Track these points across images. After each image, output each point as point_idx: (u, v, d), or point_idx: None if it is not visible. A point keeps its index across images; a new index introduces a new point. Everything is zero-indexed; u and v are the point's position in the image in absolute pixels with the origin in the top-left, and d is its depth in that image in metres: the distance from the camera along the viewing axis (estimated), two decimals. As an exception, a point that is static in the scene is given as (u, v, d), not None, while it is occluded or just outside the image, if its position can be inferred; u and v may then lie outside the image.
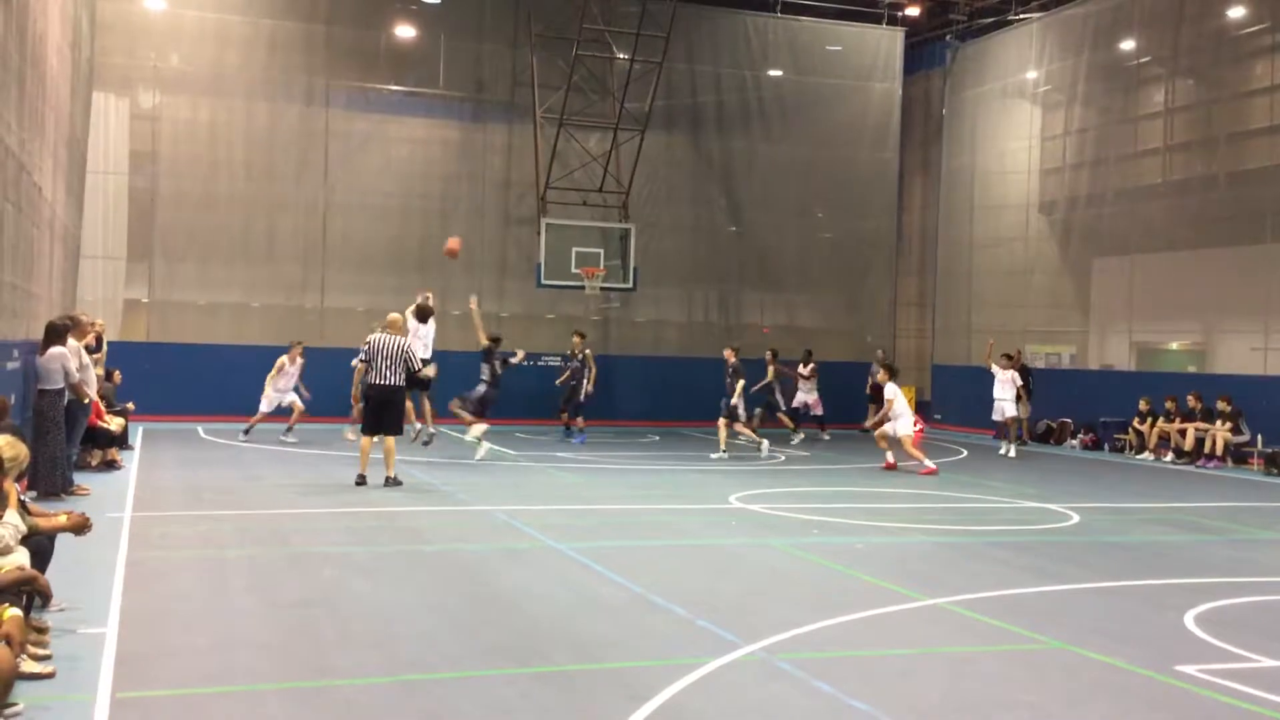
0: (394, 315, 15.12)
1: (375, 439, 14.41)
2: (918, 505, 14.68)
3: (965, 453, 22.40)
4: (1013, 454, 21.38)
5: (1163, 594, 9.40)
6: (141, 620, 7.46)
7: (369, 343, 14.53)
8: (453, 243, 19.35)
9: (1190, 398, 21.05)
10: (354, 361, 16.93)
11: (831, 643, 7.53)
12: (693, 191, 27.50)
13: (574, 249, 24.88)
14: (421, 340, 18.26)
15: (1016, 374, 22.05)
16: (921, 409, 27.85)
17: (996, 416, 22.09)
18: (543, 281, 24.87)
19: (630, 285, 25.51)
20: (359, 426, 17.81)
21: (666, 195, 27.05)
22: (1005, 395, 21.72)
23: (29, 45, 12.86)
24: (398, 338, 14.52)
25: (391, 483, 14.30)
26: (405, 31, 25.54)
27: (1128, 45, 24.79)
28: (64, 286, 18.81)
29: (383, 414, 14.42)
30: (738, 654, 7.07)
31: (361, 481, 14.26)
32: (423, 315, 18.79)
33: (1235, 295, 22.28)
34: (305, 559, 9.89)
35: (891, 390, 19.16)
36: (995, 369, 21.90)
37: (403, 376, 14.46)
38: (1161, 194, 23.82)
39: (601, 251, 25.25)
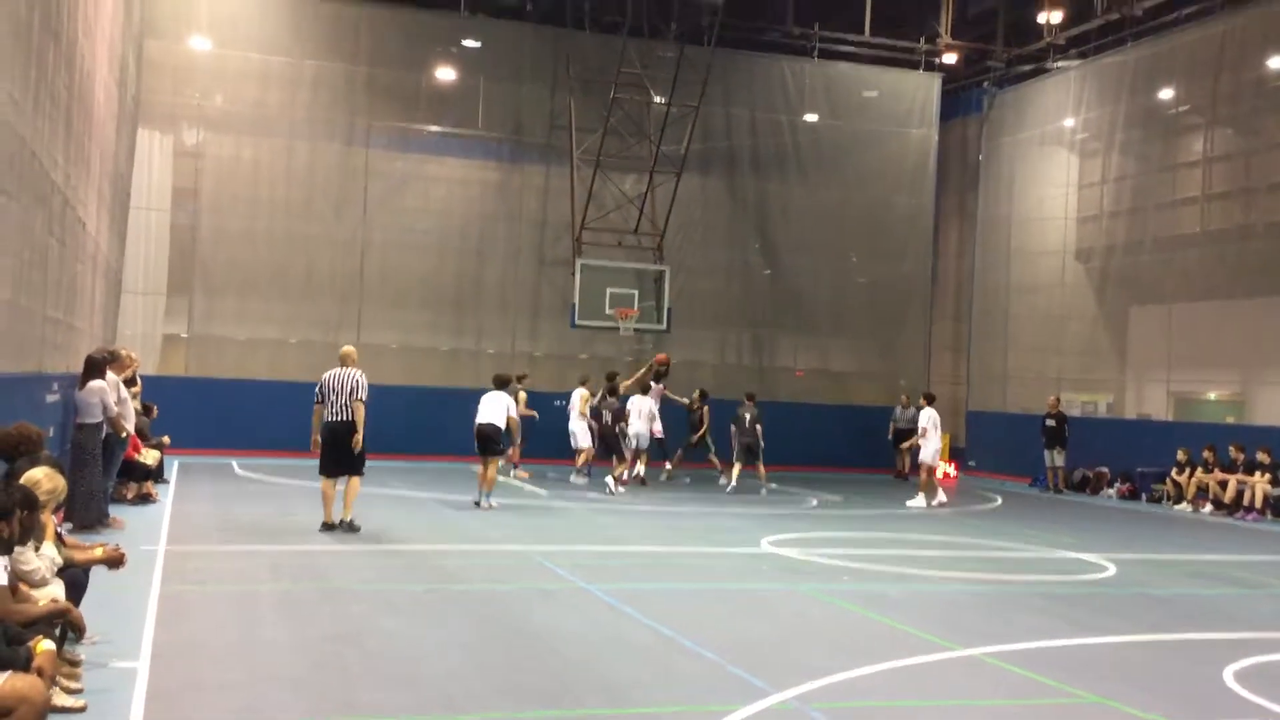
0: (347, 348, 14.02)
1: (336, 480, 13.37)
2: (952, 552, 14.53)
3: (1000, 500, 22.19)
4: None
5: (1202, 649, 9.25)
6: (173, 654, 7.48)
7: (322, 381, 13.50)
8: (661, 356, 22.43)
9: (1232, 448, 20.79)
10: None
11: (865, 692, 7.45)
12: (728, 234, 27.57)
13: (608, 290, 24.93)
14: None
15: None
16: (956, 456, 27.66)
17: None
18: (577, 322, 24.93)
19: (664, 327, 25.53)
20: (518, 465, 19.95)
21: (701, 237, 27.13)
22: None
23: (76, 83, 13.10)
24: (350, 370, 13.46)
25: (346, 527, 13.19)
26: (445, 74, 25.84)
27: (1166, 94, 24.71)
28: (105, 321, 19.04)
29: (339, 452, 13.29)
30: (769, 701, 7.00)
31: (326, 529, 13.26)
32: (657, 377, 21.54)
33: (1274, 346, 22.04)
34: (337, 595, 9.89)
35: (926, 417, 19.54)
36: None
37: (354, 412, 13.24)
38: (1199, 243, 23.65)
39: (636, 293, 25.30)
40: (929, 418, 19.97)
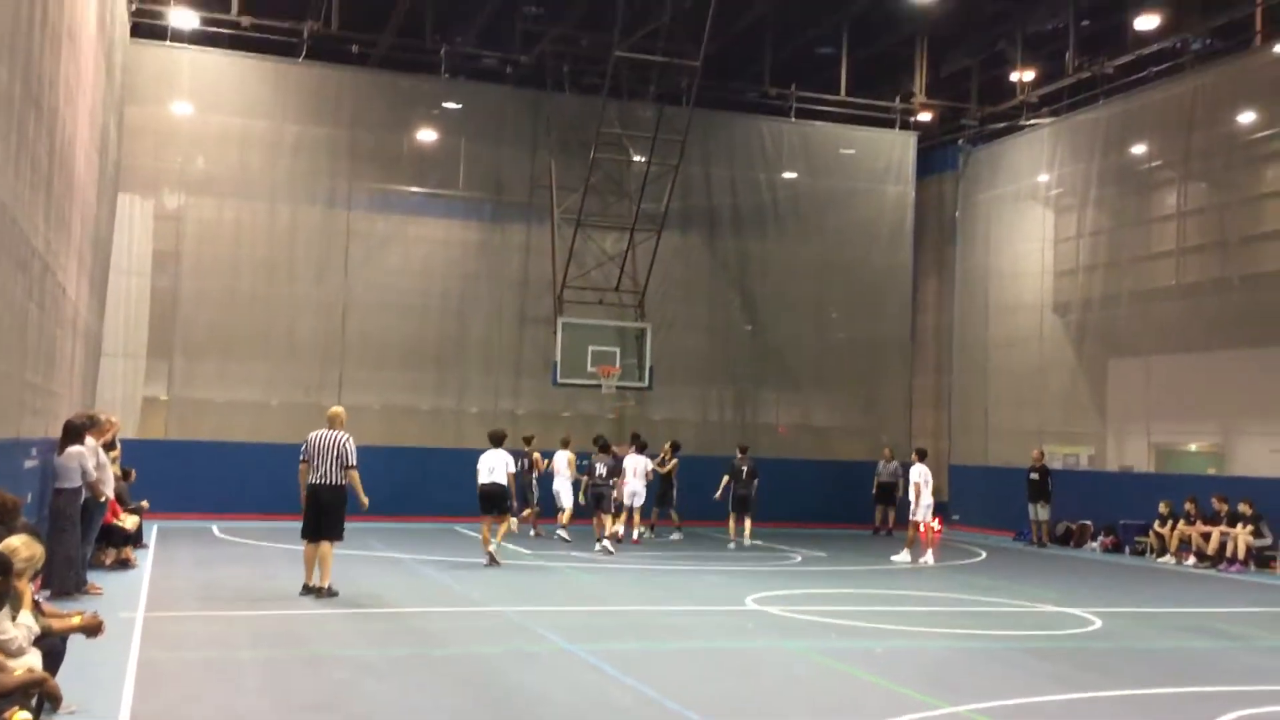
0: (335, 409, 13.78)
1: (318, 544, 13.19)
2: (936, 608, 14.50)
3: (984, 554, 22.16)
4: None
5: (1188, 703, 9.23)
6: (152, 723, 7.39)
7: (308, 440, 13.37)
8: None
9: (1214, 500, 20.86)
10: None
11: (850, 751, 7.40)
12: (708, 291, 27.70)
13: (590, 347, 25.00)
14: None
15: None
16: (939, 510, 27.62)
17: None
18: (559, 380, 24.94)
19: (646, 384, 25.57)
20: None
21: (683, 295, 27.24)
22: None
23: (58, 149, 13.15)
24: (336, 433, 13.27)
25: (325, 594, 13.01)
26: (427, 135, 26.03)
27: (1139, 149, 25.05)
28: (84, 384, 18.95)
29: (321, 515, 13.11)
30: (754, 763, 6.94)
31: (306, 591, 13.14)
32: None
33: (1253, 397, 22.17)
34: (318, 661, 9.80)
35: (917, 472, 19.80)
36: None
37: (341, 475, 13.14)
38: (1176, 296, 23.86)
39: (618, 350, 25.37)
40: (920, 473, 19.97)
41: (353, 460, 13.22)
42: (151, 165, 23.98)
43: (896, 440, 27.69)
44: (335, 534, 13.28)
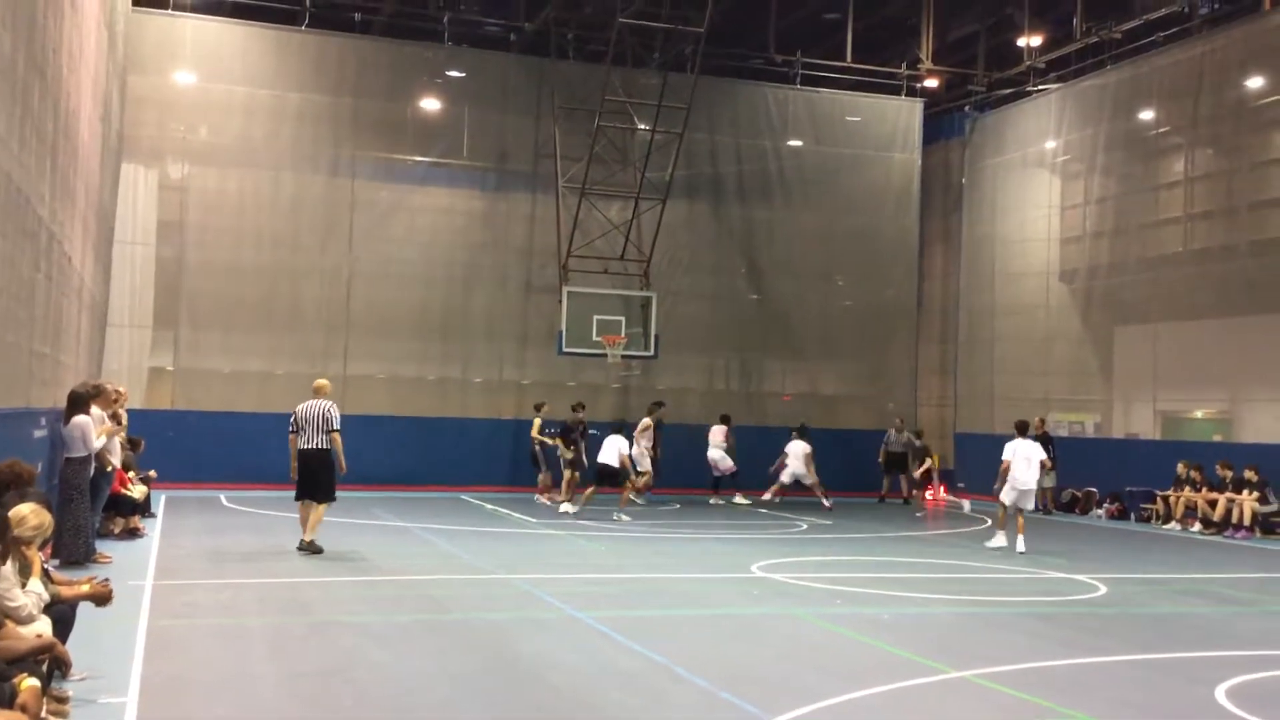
0: (321, 380, 14.95)
1: (305, 502, 14.32)
2: (942, 575, 14.53)
3: (989, 521, 22.18)
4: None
5: (1194, 667, 9.25)
6: (162, 690, 7.44)
7: (296, 412, 14.42)
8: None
9: (1219, 466, 20.86)
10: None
11: (856, 716, 7.43)
12: (714, 259, 27.62)
13: (595, 317, 24.96)
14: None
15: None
16: (945, 478, 27.68)
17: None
18: (564, 349, 24.94)
19: (651, 353, 25.55)
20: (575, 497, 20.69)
21: (688, 263, 27.18)
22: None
23: (62, 119, 13.11)
24: (321, 402, 14.34)
25: (308, 548, 13.99)
26: (430, 104, 25.92)
27: (1147, 115, 24.90)
28: (90, 355, 18.98)
29: (310, 478, 14.24)
30: (761, 727, 6.98)
31: (304, 548, 14.08)
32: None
33: (1260, 363, 22.11)
34: (326, 628, 9.84)
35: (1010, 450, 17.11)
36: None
37: (326, 439, 14.17)
38: (1183, 262, 23.78)
39: (623, 319, 25.33)
40: (1011, 449, 16.98)
41: (336, 425, 14.22)
42: (155, 135, 23.91)
43: (904, 410, 27.69)
44: (326, 496, 14.30)
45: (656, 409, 23.13)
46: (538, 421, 22.52)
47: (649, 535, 17.87)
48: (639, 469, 21.08)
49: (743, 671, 8.54)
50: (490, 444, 24.61)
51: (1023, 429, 17.47)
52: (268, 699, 7.42)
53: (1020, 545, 16.45)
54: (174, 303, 23.83)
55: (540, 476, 22.53)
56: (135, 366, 23.47)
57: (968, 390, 29.02)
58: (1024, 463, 16.75)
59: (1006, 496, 16.93)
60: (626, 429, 21.22)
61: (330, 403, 14.37)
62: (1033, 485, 16.80)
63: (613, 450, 19.73)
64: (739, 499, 23.46)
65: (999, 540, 17.11)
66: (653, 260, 25.97)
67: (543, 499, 22.06)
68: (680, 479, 23.40)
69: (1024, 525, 16.79)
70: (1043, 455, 16.94)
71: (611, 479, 19.77)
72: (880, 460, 26.06)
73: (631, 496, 20.44)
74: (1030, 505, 17.18)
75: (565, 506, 20.38)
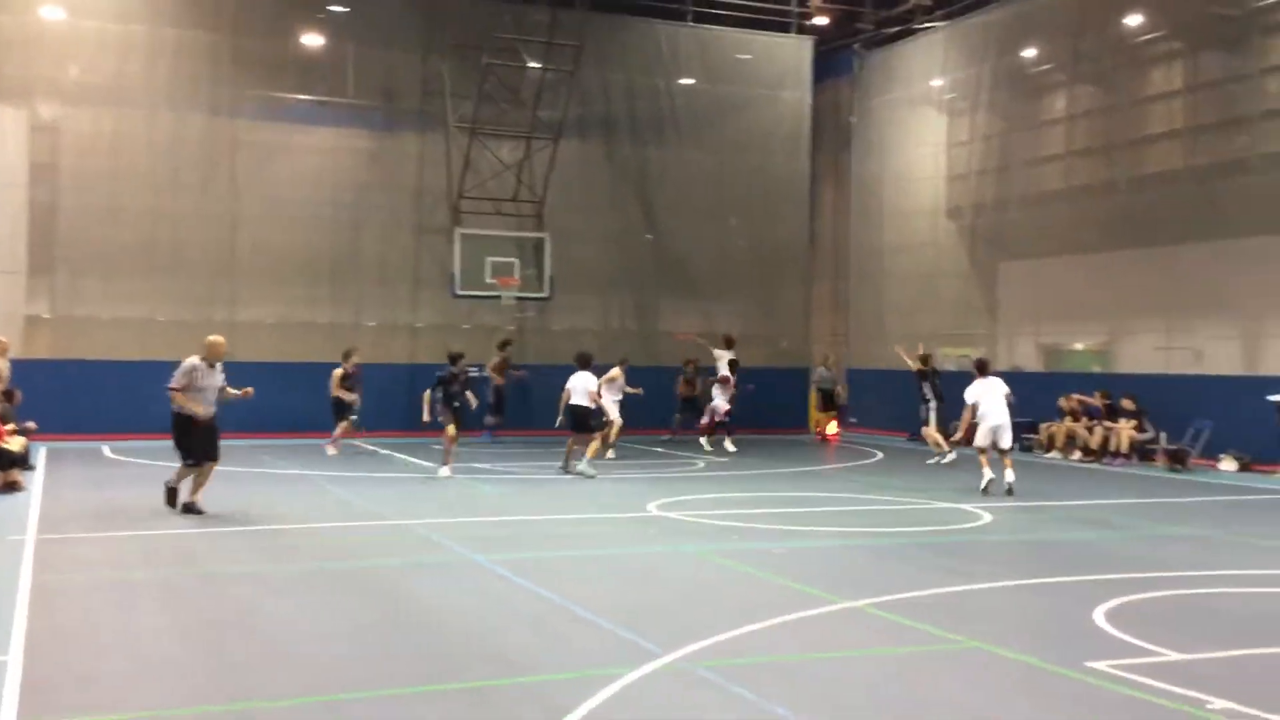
0: (213, 338, 13.50)
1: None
2: (833, 509, 14.82)
3: (880, 455, 22.67)
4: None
5: (1073, 591, 9.59)
6: (48, 645, 7.25)
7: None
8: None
9: (1097, 395, 21.57)
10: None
11: (752, 649, 7.56)
12: (608, 200, 27.47)
13: (489, 259, 24.74)
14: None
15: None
16: (838, 413, 28.15)
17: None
18: (458, 292, 24.69)
19: (546, 294, 25.43)
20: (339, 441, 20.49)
21: (581, 203, 26.98)
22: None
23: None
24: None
25: (189, 509, 12.95)
26: (312, 40, 25.20)
27: (1029, 53, 25.31)
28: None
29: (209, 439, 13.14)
30: (658, 663, 7.06)
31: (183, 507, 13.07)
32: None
33: (1138, 297, 22.81)
34: (215, 579, 9.68)
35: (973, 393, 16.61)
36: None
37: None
38: (1065, 199, 24.33)
39: (517, 261, 25.15)
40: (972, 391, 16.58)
41: (172, 382, 13.05)
42: (22, 74, 22.89)
43: (796, 346, 28.03)
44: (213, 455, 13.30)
45: (505, 347, 23.68)
46: (338, 374, 21.09)
47: (544, 477, 17.88)
48: (606, 418, 19.77)
49: (642, 609, 8.63)
50: (386, 389, 24.30)
51: (982, 367, 16.95)
52: (160, 653, 7.28)
53: (1009, 476, 15.86)
54: (49, 248, 23.00)
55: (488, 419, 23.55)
56: (11, 315, 22.61)
57: (858, 327, 29.48)
58: (991, 398, 16.26)
59: (982, 439, 16.30)
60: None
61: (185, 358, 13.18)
62: (1006, 420, 16.21)
63: (582, 391, 17.98)
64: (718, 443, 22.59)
65: (986, 474, 16.19)
66: (546, 201, 25.75)
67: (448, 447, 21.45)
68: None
69: (1011, 462, 16.17)
70: (1006, 389, 16.50)
71: (584, 423, 17.95)
72: (814, 398, 26.55)
73: (598, 448, 18.52)
74: (1008, 441, 16.17)
75: (330, 449, 20.41)
